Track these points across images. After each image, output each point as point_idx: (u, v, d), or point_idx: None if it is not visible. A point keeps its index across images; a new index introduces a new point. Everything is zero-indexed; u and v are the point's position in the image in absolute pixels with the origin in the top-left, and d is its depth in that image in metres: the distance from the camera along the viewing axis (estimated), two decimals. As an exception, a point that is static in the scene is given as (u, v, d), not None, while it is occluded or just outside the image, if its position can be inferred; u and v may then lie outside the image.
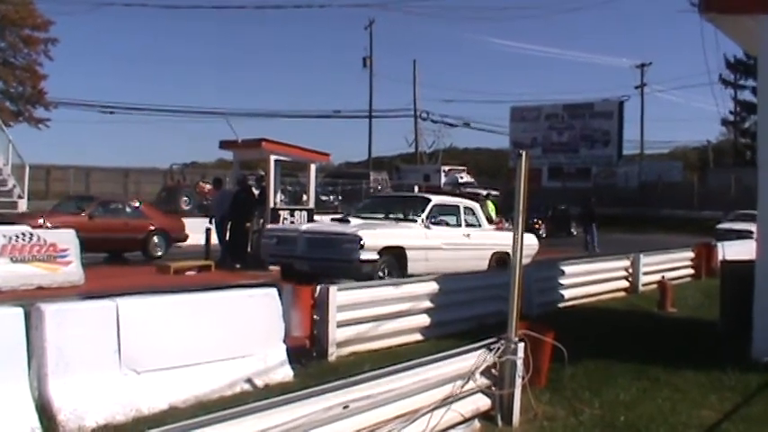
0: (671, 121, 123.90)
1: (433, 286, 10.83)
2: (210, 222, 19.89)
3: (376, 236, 14.17)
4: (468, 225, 16.34)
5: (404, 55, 77.02)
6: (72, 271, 14.92)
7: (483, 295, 11.55)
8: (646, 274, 16.75)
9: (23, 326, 6.06)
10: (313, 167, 21.37)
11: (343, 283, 10.51)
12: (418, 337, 10.38)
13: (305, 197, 21.67)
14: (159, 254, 20.74)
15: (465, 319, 10.87)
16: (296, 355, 8.35)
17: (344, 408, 5.12)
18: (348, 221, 15.55)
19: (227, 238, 19.33)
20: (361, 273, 13.61)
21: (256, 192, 20.22)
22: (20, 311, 6.09)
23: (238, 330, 7.65)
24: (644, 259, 16.79)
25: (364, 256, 13.81)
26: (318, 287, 9.10)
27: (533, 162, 46.06)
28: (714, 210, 41.05)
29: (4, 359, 5.90)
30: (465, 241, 15.89)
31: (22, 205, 25.87)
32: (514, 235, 6.83)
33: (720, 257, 17.88)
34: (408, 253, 14.50)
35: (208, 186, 34.38)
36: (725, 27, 9.81)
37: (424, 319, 10.54)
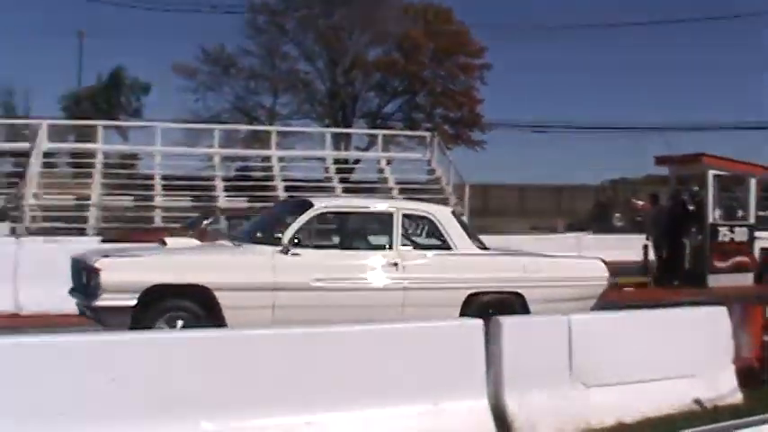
0: None
1: None
2: (647, 239, 19.81)
3: (135, 267, 8.70)
4: (414, 245, 9.95)
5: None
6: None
7: None
8: None
9: (483, 337, 6.56)
10: (753, 182, 20.35)
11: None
12: None
13: (740, 212, 20.71)
14: None
15: None
16: (744, 377, 8.02)
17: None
18: (165, 244, 10.03)
19: (664, 254, 19.14)
20: (105, 324, 8.31)
21: (690, 208, 19.79)
22: (480, 324, 6.61)
23: (685, 349, 7.55)
24: None
25: (105, 300, 8.26)
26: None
27: None
28: None
29: (468, 368, 6.47)
30: (384, 276, 9.44)
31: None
32: None
33: None
34: (220, 296, 8.62)
35: (640, 202, 34.06)
36: None
37: None
